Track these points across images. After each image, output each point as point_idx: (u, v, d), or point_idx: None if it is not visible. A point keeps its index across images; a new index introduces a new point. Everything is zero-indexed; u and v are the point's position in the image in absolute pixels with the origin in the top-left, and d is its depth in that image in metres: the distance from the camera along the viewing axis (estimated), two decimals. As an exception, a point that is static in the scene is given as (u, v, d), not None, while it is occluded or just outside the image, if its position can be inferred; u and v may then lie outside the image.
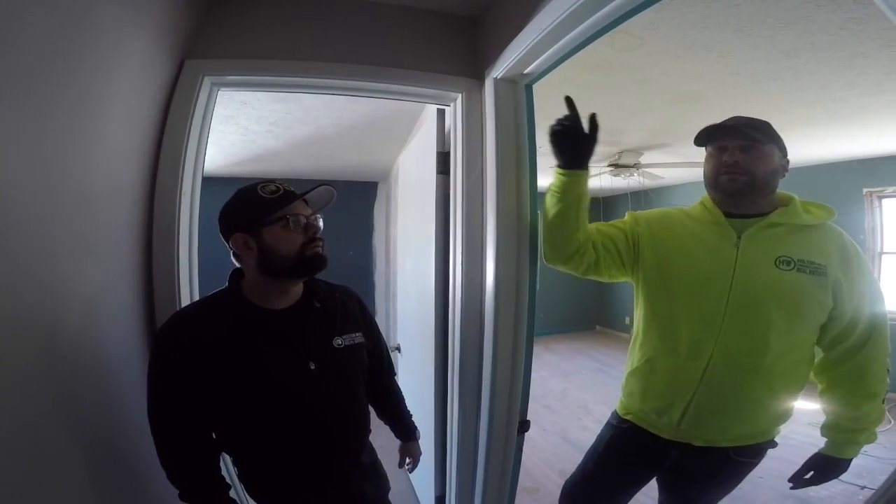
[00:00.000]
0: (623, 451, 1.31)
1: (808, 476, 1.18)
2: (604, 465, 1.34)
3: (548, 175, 1.24)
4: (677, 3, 1.70)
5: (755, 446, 1.16)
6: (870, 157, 4.16)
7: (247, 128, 2.87)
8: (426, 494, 2.15)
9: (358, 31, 1.58)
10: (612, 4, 1.03)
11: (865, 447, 1.12)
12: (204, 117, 1.46)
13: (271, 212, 0.99)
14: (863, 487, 2.50)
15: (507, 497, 1.64)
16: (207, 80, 1.43)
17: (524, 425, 1.57)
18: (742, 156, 1.10)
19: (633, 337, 1.33)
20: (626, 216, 1.34)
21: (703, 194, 1.27)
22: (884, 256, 4.21)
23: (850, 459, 1.13)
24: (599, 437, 1.39)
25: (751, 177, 1.10)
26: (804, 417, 3.52)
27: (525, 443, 1.63)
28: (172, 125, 1.38)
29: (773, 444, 1.20)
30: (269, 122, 2.77)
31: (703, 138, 1.18)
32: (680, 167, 4.09)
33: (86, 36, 0.95)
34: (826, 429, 1.16)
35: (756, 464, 1.20)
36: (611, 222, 1.33)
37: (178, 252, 1.38)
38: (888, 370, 1.11)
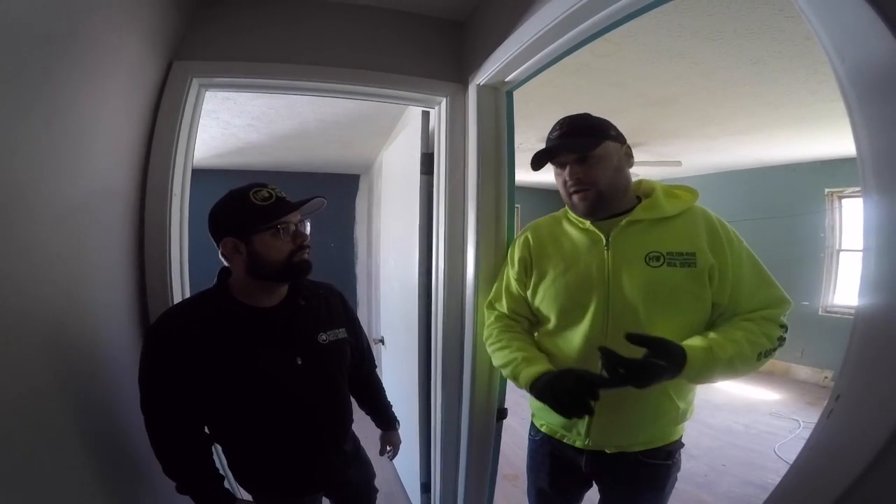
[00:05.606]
0: (545, 464, 1.27)
1: (645, 343, 0.91)
2: (538, 479, 1.32)
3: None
4: (653, 12, 1.77)
5: (664, 448, 1.12)
6: (832, 158, 4.35)
7: (228, 122, 2.84)
8: (412, 482, 2.22)
9: (345, 34, 1.60)
10: (593, 18, 1.08)
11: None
12: (192, 118, 1.47)
13: (263, 221, 1.02)
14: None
15: (487, 482, 1.72)
16: (196, 82, 1.44)
17: (502, 412, 1.66)
18: (580, 168, 1.06)
19: None
20: (515, 252, 1.26)
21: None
22: (842, 253, 4.43)
23: (684, 362, 0.91)
24: (527, 451, 1.35)
25: (596, 188, 1.06)
26: (765, 408, 3.65)
27: (505, 431, 1.71)
28: (162, 127, 1.38)
29: (680, 444, 1.15)
30: (252, 116, 2.76)
31: (537, 162, 1.11)
32: (655, 166, 4.22)
33: (80, 40, 0.96)
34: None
35: (671, 465, 1.14)
36: (505, 286, 1.27)
37: (169, 252, 1.40)
38: (760, 353, 0.97)
